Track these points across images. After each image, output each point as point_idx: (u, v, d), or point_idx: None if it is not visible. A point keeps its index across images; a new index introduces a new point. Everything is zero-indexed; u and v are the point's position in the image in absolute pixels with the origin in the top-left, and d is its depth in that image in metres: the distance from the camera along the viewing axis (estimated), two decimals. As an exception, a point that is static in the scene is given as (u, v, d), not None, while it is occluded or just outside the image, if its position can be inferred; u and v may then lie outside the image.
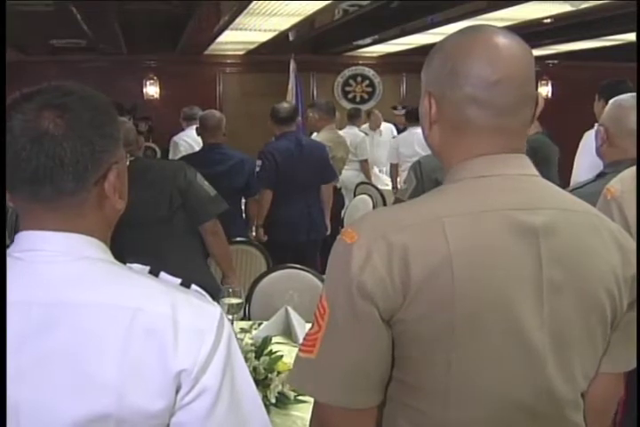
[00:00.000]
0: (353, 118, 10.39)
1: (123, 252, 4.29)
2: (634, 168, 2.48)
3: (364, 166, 9.97)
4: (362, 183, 9.61)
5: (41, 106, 1.41)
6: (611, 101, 3.09)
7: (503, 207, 1.55)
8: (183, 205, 4.17)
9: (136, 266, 1.53)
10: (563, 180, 5.18)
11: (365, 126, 11.27)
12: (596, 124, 3.11)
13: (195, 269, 3.98)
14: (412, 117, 8.96)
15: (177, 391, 1.41)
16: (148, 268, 1.53)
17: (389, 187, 9.86)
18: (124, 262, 1.51)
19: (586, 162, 4.34)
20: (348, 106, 13.51)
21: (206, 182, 4.31)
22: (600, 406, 1.76)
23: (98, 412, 1.36)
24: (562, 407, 1.62)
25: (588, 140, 4.10)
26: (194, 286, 1.53)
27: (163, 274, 1.53)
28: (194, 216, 4.19)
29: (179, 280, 1.52)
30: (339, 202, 7.89)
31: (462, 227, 1.52)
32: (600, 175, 3.04)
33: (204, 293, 1.53)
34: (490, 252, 1.53)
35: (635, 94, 3.09)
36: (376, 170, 10.72)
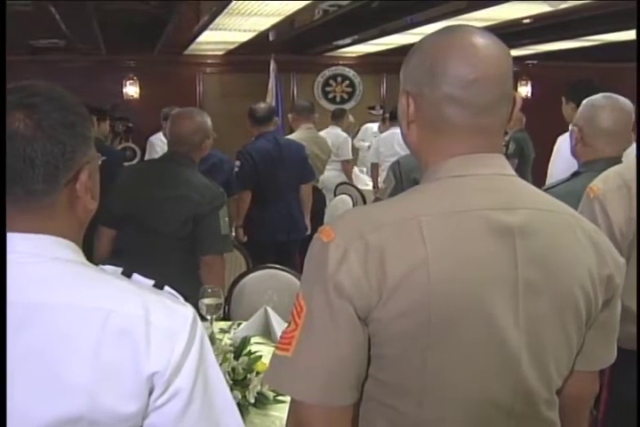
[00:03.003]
0: (336, 118, 10.37)
1: (126, 247, 4.30)
2: (616, 167, 2.50)
3: (346, 167, 9.97)
4: (342, 183, 9.62)
5: (10, 106, 1.41)
6: (584, 102, 3.11)
7: (479, 207, 1.56)
8: (192, 231, 4.16)
9: (108, 267, 1.52)
10: (537, 178, 5.21)
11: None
12: (570, 125, 3.13)
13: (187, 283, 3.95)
14: (394, 117, 8.97)
15: (150, 393, 1.41)
16: (120, 269, 1.52)
17: (369, 187, 9.87)
18: (96, 263, 1.51)
19: (561, 167, 4.36)
20: (328, 106, 13.51)
21: (227, 219, 4.28)
22: (576, 404, 1.78)
23: (70, 414, 1.36)
24: (537, 405, 1.63)
25: (563, 145, 4.11)
26: (167, 288, 1.52)
27: (135, 275, 1.52)
28: (197, 245, 4.18)
29: (152, 282, 1.51)
30: (319, 202, 7.89)
31: (439, 226, 1.53)
32: (574, 174, 3.06)
33: (177, 294, 1.52)
34: (466, 251, 1.53)
35: (606, 94, 3.12)
36: (356, 170, 10.72)
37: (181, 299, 1.51)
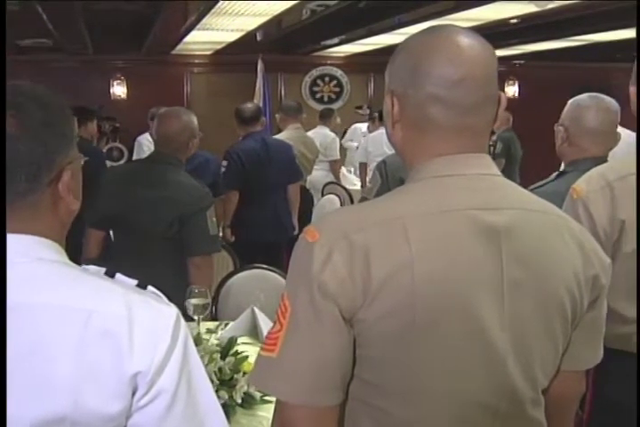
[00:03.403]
0: (324, 118, 10.35)
1: (115, 248, 4.27)
2: (599, 168, 2.50)
3: (334, 167, 9.97)
4: (329, 183, 9.62)
5: None
6: (569, 101, 3.13)
7: (464, 207, 1.56)
8: (179, 232, 4.15)
9: (92, 267, 1.51)
10: (526, 178, 5.22)
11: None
12: (555, 125, 3.14)
13: (178, 284, 3.93)
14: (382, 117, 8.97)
15: (133, 393, 1.40)
16: (103, 269, 1.51)
17: (357, 186, 9.88)
18: (79, 264, 1.50)
19: None
20: (316, 106, 13.51)
21: (214, 219, 4.28)
22: (562, 404, 1.79)
23: (53, 414, 1.35)
24: (522, 405, 1.63)
25: None
26: (150, 288, 1.52)
27: (119, 275, 1.51)
28: (186, 246, 4.17)
29: (135, 281, 1.51)
30: (307, 202, 7.89)
31: (424, 227, 1.53)
32: (560, 174, 3.08)
33: (160, 294, 1.52)
34: (451, 252, 1.53)
35: (592, 94, 3.14)
36: (344, 170, 10.73)
37: (165, 298, 1.51)
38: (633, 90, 2.44)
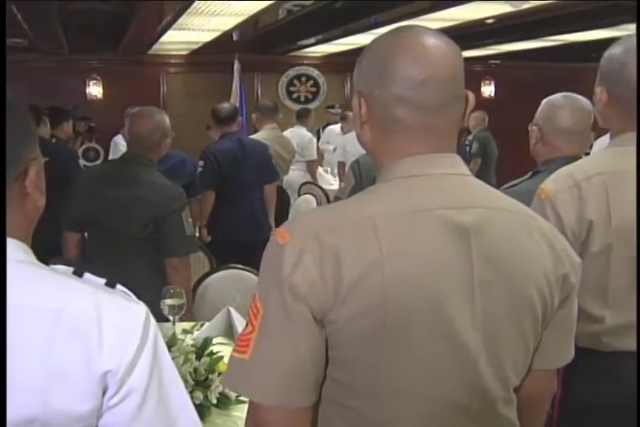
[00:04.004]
0: (301, 118, 10.35)
1: (92, 250, 4.25)
2: (567, 167, 2.51)
3: (311, 167, 9.97)
4: (306, 183, 9.62)
5: None
6: (543, 101, 3.14)
7: (433, 207, 1.56)
8: (155, 233, 4.14)
9: (60, 267, 1.50)
10: (502, 177, 5.23)
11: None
12: (530, 125, 3.15)
13: (157, 284, 3.91)
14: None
15: (104, 393, 1.39)
16: (71, 269, 1.50)
17: (334, 186, 9.88)
18: (47, 264, 1.49)
19: None
20: (293, 106, 13.52)
21: (190, 220, 4.27)
22: (534, 402, 1.80)
23: (24, 415, 1.34)
24: (494, 404, 1.64)
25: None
26: (119, 286, 1.51)
27: (87, 275, 1.50)
28: (162, 247, 4.16)
29: (103, 280, 1.50)
30: (284, 202, 7.89)
31: (393, 227, 1.53)
32: (534, 173, 3.08)
33: (129, 292, 1.51)
34: (421, 252, 1.53)
35: (566, 94, 3.15)
36: (321, 170, 10.73)
37: (134, 297, 1.50)
38: (599, 90, 2.46)
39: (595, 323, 2.22)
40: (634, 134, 2.39)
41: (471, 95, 1.66)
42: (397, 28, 1.66)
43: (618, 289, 2.34)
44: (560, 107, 2.98)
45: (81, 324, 1.38)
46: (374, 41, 1.67)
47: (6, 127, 1.40)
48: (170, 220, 4.13)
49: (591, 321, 2.06)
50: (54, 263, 1.51)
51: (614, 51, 2.42)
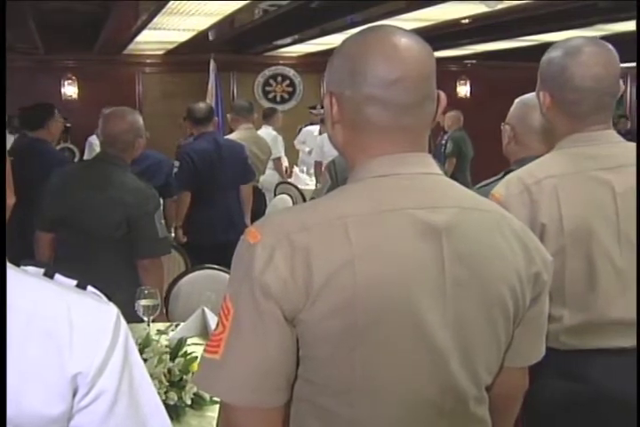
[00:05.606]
0: (267, 118, 10.32)
1: (64, 251, 4.23)
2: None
3: (277, 164, 9.97)
4: (282, 183, 9.62)
5: None
6: (516, 100, 3.15)
7: (403, 207, 1.56)
8: (128, 234, 4.13)
9: (30, 268, 1.49)
10: (477, 177, 5.25)
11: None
12: (502, 124, 3.16)
13: (130, 285, 3.90)
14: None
15: (74, 394, 1.39)
16: (42, 270, 1.50)
17: (310, 186, 9.88)
18: (18, 265, 1.48)
19: None
20: (269, 106, 13.48)
21: (163, 222, 4.28)
22: (505, 400, 1.81)
23: None
24: (466, 403, 1.64)
25: None
26: (90, 288, 1.50)
27: (58, 276, 1.49)
28: (134, 248, 4.15)
29: (74, 282, 1.49)
30: (259, 202, 7.88)
31: (365, 227, 1.53)
32: (507, 173, 3.09)
33: (100, 294, 1.50)
34: (392, 251, 1.54)
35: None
36: (296, 169, 10.73)
37: (105, 298, 1.49)
38: (541, 95, 2.50)
39: (552, 322, 2.24)
40: (581, 135, 2.43)
41: (443, 95, 1.67)
42: (368, 28, 1.66)
43: (574, 289, 2.37)
44: (533, 106, 2.98)
45: (52, 325, 1.37)
46: (345, 41, 1.67)
47: None
48: (142, 221, 4.12)
49: (551, 320, 2.07)
50: (25, 264, 1.50)
51: (553, 54, 2.45)
